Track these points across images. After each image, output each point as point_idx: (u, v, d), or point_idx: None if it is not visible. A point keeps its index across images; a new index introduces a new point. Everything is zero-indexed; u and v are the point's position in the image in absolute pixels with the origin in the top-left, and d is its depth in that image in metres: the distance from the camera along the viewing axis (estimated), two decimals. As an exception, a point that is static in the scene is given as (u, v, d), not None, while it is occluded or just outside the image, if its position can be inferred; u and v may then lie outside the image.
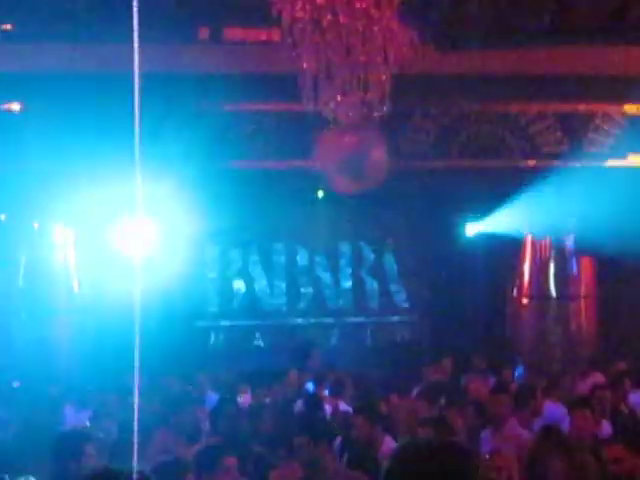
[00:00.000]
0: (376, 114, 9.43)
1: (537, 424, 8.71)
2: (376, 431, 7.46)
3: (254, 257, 18.33)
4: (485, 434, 7.97)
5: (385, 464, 2.65)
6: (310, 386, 12.16)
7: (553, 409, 9.27)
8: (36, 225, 15.94)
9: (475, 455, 2.55)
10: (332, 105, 9.48)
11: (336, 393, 11.01)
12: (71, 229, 16.12)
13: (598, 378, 11.38)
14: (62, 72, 12.54)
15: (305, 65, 9.21)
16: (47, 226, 15.96)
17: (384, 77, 9.05)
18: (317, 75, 9.28)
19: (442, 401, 9.43)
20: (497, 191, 15.51)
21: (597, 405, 8.57)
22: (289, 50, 9.16)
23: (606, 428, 8.36)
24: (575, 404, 8.22)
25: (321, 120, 9.94)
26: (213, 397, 10.67)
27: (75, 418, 10.13)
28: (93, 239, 16.07)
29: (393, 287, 18.67)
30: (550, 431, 6.73)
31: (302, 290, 18.47)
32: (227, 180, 14.90)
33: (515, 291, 17.40)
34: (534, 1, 10.96)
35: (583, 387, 10.84)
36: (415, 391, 11.21)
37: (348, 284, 18.60)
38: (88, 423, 9.48)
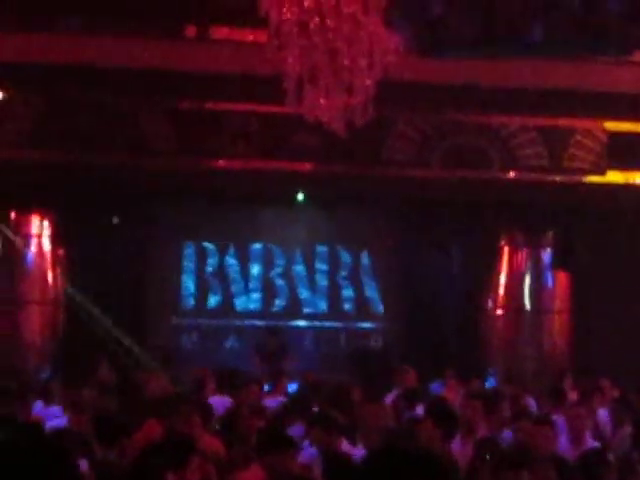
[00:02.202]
0: (359, 119, 9.42)
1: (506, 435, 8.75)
2: (332, 438, 7.44)
3: (231, 257, 18.30)
4: (455, 440, 7.96)
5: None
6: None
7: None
8: (13, 215, 15.88)
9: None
10: (315, 108, 9.47)
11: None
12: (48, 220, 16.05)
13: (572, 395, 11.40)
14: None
15: (290, 67, 9.19)
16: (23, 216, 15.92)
17: (368, 82, 9.04)
18: (301, 78, 9.27)
19: (417, 409, 9.46)
20: (476, 201, 15.56)
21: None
22: (275, 51, 9.14)
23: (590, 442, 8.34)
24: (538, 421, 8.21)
25: (304, 123, 9.94)
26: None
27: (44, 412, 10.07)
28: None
29: (369, 293, 18.67)
30: (486, 444, 6.79)
31: (278, 292, 18.45)
32: (208, 179, 14.90)
33: (490, 302, 17.44)
34: (523, 13, 10.98)
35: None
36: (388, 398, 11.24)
37: (324, 288, 18.59)
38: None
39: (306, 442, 7.80)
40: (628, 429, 9.01)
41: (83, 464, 5.74)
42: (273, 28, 8.93)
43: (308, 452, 7.43)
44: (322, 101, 9.29)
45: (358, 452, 7.17)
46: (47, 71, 12.47)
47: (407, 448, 2.60)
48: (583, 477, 6.11)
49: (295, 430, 8.48)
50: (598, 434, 9.50)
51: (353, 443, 7.77)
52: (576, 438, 8.27)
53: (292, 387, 12.67)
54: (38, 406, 10.40)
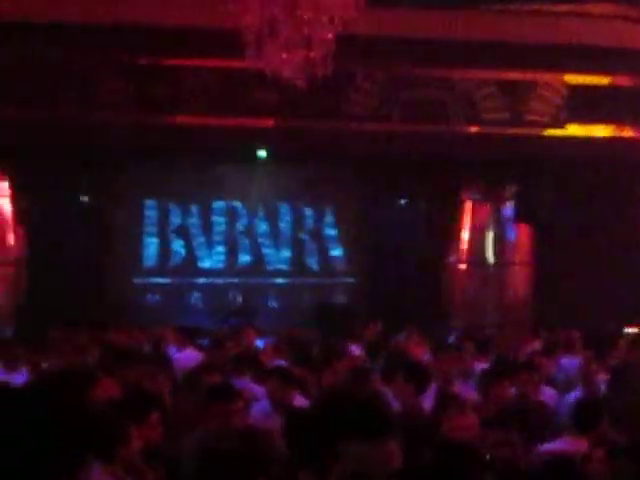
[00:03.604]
0: (319, 73, 9.37)
1: (470, 385, 8.83)
2: (287, 391, 7.47)
3: (193, 215, 18.24)
4: (429, 393, 7.97)
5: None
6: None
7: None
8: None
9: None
10: (275, 62, 9.39)
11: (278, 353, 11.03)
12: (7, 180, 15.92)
13: (537, 345, 11.51)
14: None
15: (249, 21, 9.10)
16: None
17: (328, 36, 8.98)
18: (261, 31, 9.18)
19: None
20: (438, 156, 15.56)
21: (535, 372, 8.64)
22: (233, 4, 9.04)
23: (548, 393, 8.47)
24: (519, 368, 8.30)
25: (264, 78, 9.86)
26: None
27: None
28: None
29: (332, 249, 18.71)
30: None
31: (241, 249, 18.43)
32: (169, 136, 14.77)
33: (453, 256, 17.53)
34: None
35: (523, 353, 10.94)
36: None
37: (288, 244, 18.59)
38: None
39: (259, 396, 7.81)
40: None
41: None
42: (231, -19, 8.83)
43: (261, 406, 7.43)
44: (282, 55, 9.22)
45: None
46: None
47: (353, 395, 2.59)
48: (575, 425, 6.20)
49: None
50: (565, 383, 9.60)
51: (309, 397, 7.80)
52: None
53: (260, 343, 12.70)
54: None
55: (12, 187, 15.94)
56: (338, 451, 2.39)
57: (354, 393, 2.62)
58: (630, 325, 14.43)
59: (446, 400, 6.93)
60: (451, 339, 14.13)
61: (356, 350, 11.39)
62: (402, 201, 18.40)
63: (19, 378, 9.14)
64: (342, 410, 2.46)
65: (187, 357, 10.30)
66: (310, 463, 2.43)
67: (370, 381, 7.61)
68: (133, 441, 4.95)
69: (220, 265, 18.40)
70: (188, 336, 11.49)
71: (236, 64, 11.37)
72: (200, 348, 11.11)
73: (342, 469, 2.39)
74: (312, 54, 9.26)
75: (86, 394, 7.04)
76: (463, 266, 17.71)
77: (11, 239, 15.98)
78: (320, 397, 2.76)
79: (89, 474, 4.09)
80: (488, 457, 5.44)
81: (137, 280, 17.95)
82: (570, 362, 10.52)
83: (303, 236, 18.70)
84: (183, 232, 18.22)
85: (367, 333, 12.87)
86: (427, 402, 7.64)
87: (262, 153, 16.22)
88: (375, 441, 2.42)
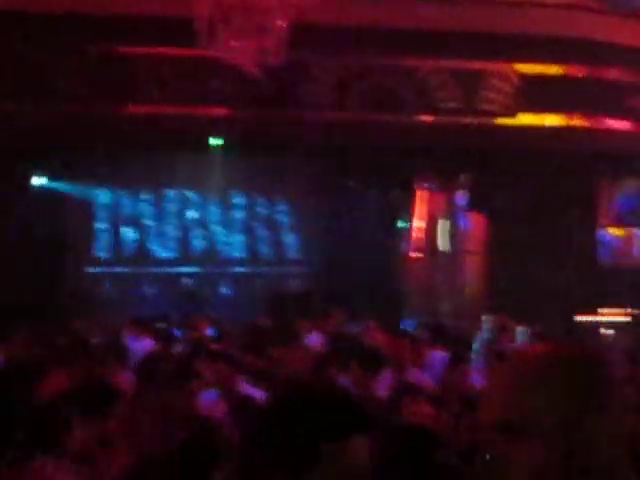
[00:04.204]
0: (273, 61, 9.36)
1: (426, 374, 8.87)
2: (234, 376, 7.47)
3: (146, 203, 18.12)
4: (384, 380, 7.99)
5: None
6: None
7: (439, 358, 9.39)
8: None
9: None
10: (228, 51, 9.37)
11: (220, 340, 10.98)
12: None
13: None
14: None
15: (201, 8, 9.07)
16: None
17: (281, 23, 8.97)
18: (214, 19, 9.15)
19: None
20: (391, 144, 15.57)
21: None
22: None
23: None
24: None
25: (218, 67, 9.83)
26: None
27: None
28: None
29: (285, 238, 18.69)
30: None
31: (193, 239, 18.35)
32: (122, 124, 14.65)
33: (406, 245, 17.58)
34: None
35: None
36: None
37: (240, 234, 18.54)
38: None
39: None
40: None
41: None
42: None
43: (208, 395, 7.41)
44: (235, 43, 9.19)
45: (259, 394, 7.18)
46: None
47: (313, 387, 2.54)
48: None
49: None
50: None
51: (260, 385, 7.80)
52: None
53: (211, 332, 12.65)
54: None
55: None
56: (318, 450, 2.35)
57: (325, 388, 2.56)
58: (581, 314, 14.60)
59: (402, 387, 6.97)
60: (405, 328, 14.18)
61: (315, 338, 11.39)
62: (350, 183, 18.25)
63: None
64: (321, 407, 2.42)
65: (144, 347, 10.23)
66: (286, 463, 2.38)
67: (329, 370, 7.62)
68: (77, 430, 4.82)
69: (173, 254, 18.31)
70: (145, 326, 11.42)
71: (190, 52, 11.31)
72: (157, 334, 11.05)
73: (323, 469, 2.35)
74: (266, 42, 9.25)
75: (34, 387, 6.97)
76: (416, 254, 17.73)
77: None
78: (284, 390, 2.71)
79: (38, 469, 4.03)
80: (488, 457, 5.47)
81: (91, 270, 17.82)
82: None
83: (256, 224, 18.65)
84: (135, 221, 18.11)
85: (329, 322, 12.83)
86: (382, 389, 7.67)
87: (215, 141, 16.12)
88: (352, 438, 2.40)
